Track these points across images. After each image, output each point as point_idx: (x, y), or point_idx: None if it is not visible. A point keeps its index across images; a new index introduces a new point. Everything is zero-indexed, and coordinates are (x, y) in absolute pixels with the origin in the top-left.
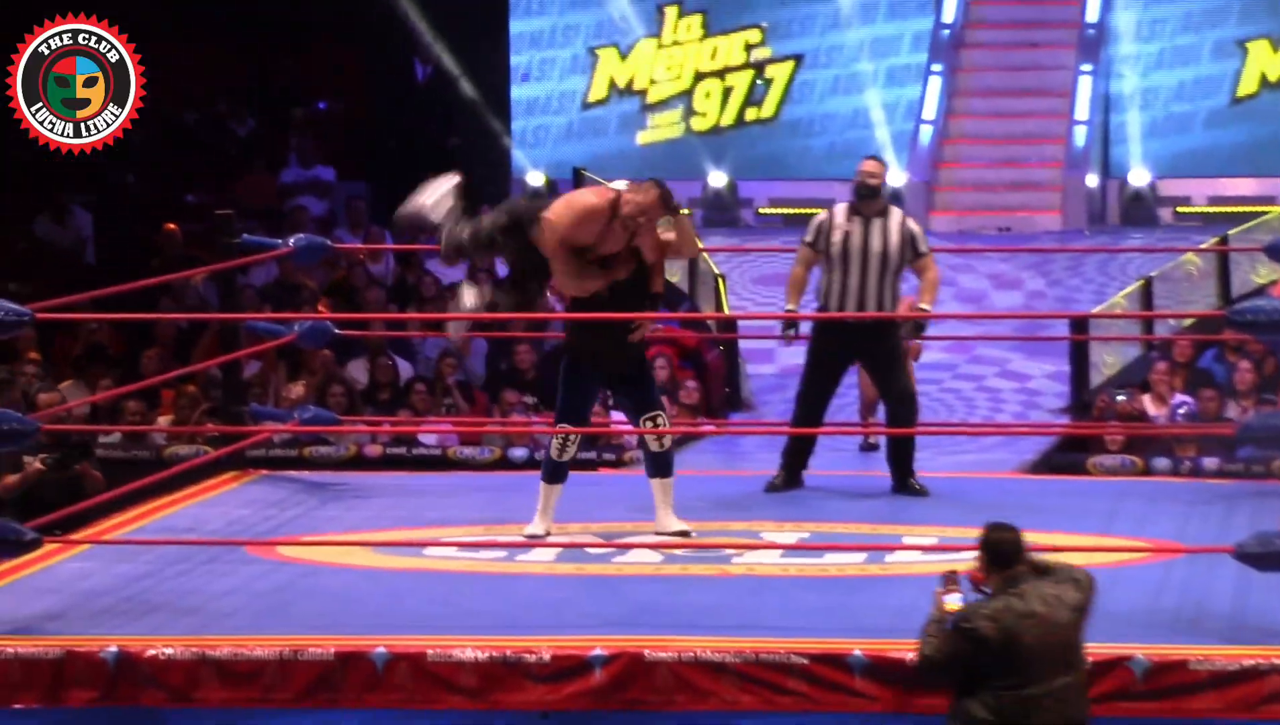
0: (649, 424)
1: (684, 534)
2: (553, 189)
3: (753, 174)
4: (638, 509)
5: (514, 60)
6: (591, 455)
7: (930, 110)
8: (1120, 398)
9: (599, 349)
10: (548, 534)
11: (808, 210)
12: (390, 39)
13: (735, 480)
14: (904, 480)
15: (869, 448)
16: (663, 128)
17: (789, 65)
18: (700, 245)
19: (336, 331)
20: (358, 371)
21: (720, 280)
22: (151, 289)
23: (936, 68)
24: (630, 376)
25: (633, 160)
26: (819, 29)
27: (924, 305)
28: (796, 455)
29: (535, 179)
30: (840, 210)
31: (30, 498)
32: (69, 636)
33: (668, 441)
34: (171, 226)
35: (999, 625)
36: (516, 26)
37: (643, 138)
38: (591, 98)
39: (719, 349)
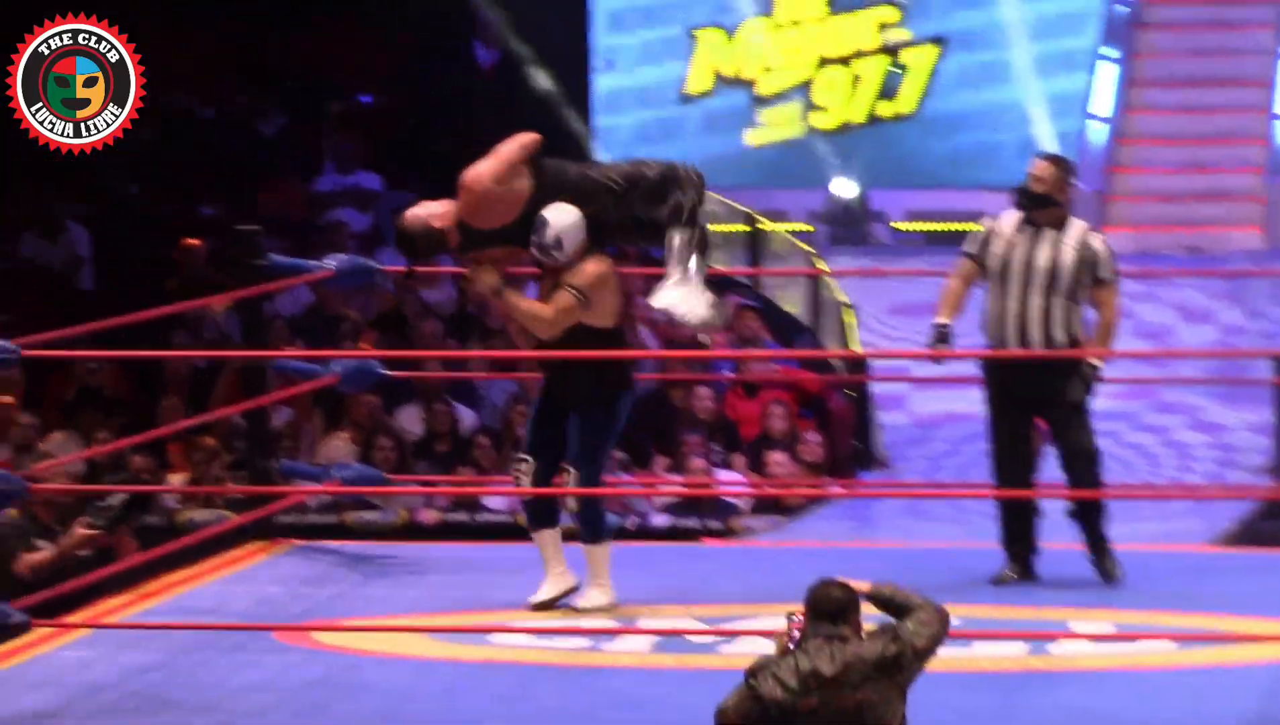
0: (564, 475)
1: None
2: None
3: (887, 182)
4: (749, 588)
5: (595, 44)
6: (694, 523)
7: (1103, 104)
8: None
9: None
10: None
11: (953, 225)
12: (447, 20)
13: (867, 553)
14: (1098, 557)
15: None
16: (777, 125)
17: (931, 50)
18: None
19: (384, 372)
20: (410, 421)
21: (848, 311)
22: (161, 321)
23: (1110, 53)
24: (571, 408)
25: (740, 164)
26: (968, 6)
27: (1097, 363)
28: (1017, 536)
29: None
30: (1009, 218)
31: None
32: None
33: (570, 502)
34: (193, 242)
35: (783, 685)
36: (599, 3)
37: (753, 137)
38: (690, 89)
39: (846, 394)
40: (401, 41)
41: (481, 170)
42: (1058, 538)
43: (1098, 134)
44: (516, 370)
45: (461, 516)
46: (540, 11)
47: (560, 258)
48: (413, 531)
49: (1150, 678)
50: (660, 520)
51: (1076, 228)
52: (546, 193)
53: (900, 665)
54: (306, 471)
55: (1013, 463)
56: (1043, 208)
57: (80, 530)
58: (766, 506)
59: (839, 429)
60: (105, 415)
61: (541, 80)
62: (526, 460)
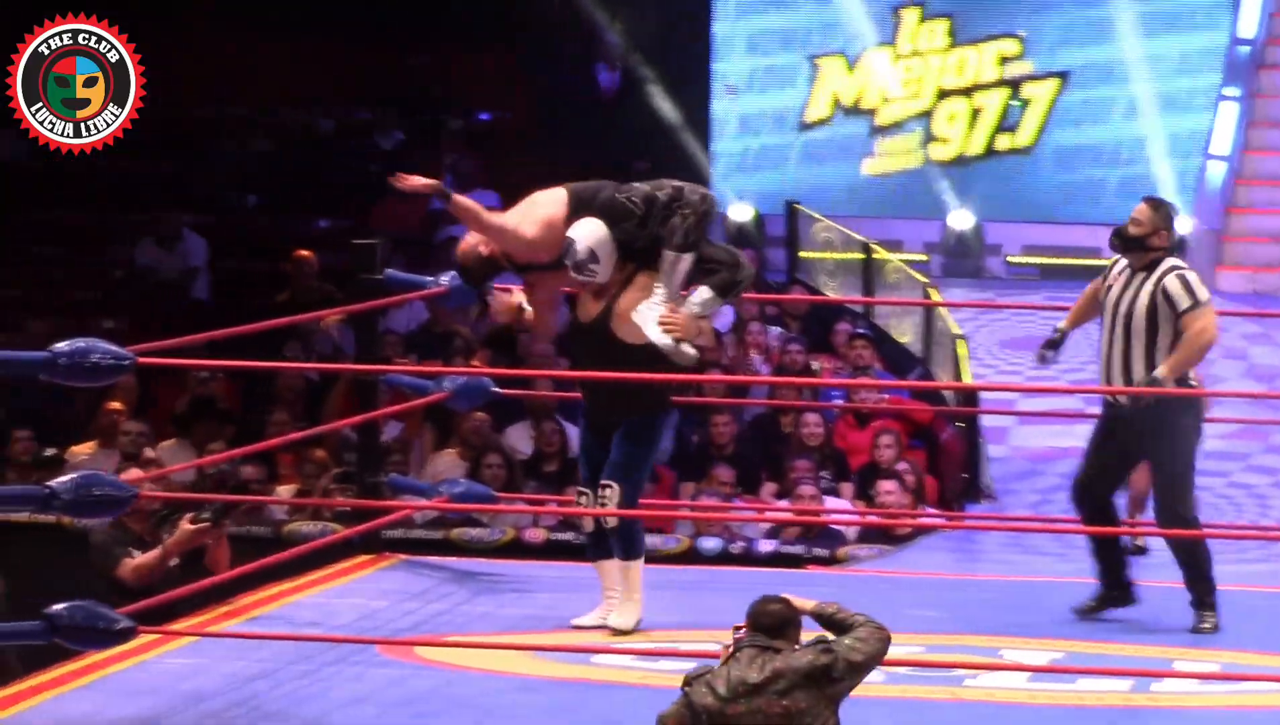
0: (603, 491)
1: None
2: (760, 226)
3: (1004, 215)
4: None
5: (716, 69)
6: (799, 550)
7: (1222, 143)
8: None
9: (585, 395)
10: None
11: (1069, 260)
12: (569, 40)
13: (971, 585)
14: (1194, 607)
15: (1136, 551)
16: (896, 156)
17: (1052, 84)
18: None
19: (495, 390)
20: (519, 439)
21: (960, 342)
22: (274, 333)
23: (1231, 92)
24: (613, 431)
25: (858, 193)
26: (1089, 41)
27: (1157, 373)
28: (1108, 566)
29: (740, 213)
30: (1117, 265)
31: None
32: None
33: (612, 520)
34: (304, 254)
35: (714, 692)
36: (721, 28)
37: (870, 167)
38: (810, 117)
39: (956, 426)
40: (522, 60)
41: (522, 234)
42: (1163, 576)
43: (1216, 174)
44: None
45: (567, 536)
46: (662, 35)
47: (598, 273)
48: (518, 549)
49: (1255, 718)
50: (766, 546)
51: (1161, 270)
52: (578, 218)
53: (830, 676)
54: (415, 486)
55: (1090, 488)
56: (1134, 251)
57: (187, 525)
58: (873, 535)
59: (948, 461)
60: (217, 425)
61: (661, 103)
62: (586, 493)
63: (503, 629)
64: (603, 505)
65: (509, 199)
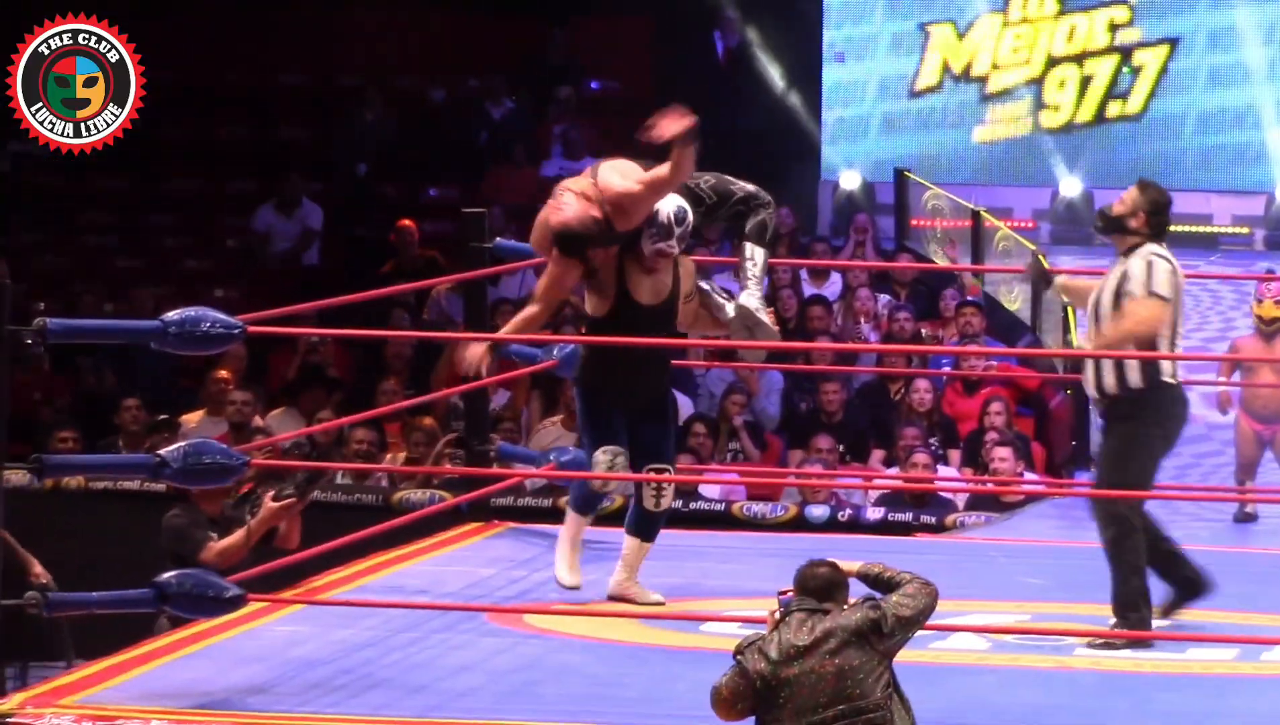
0: (664, 478)
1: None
2: (869, 193)
3: (1114, 182)
4: (962, 583)
5: (828, 37)
6: (907, 517)
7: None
8: None
9: (618, 376)
10: (576, 587)
11: (1179, 226)
12: (683, 8)
13: (1080, 552)
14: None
15: (1245, 518)
16: (1006, 123)
17: (1162, 50)
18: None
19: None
20: None
21: (1069, 310)
22: (382, 302)
23: None
24: (649, 415)
25: (968, 160)
26: (1201, 6)
27: (1102, 336)
28: (1165, 566)
29: (850, 180)
30: None
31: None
32: (277, 714)
33: (665, 504)
34: (407, 223)
35: (766, 657)
36: None
37: (981, 134)
38: (920, 84)
39: (1065, 393)
40: (634, 30)
41: (663, 175)
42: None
43: None
44: (734, 359)
45: (676, 504)
46: (775, 3)
47: (676, 246)
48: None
49: None
50: (874, 514)
51: (1137, 254)
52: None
53: (880, 631)
54: (524, 454)
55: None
56: (1114, 231)
57: (270, 503)
58: (983, 503)
59: (1056, 428)
60: (325, 393)
61: (773, 70)
62: (622, 452)
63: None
64: (662, 497)
65: None
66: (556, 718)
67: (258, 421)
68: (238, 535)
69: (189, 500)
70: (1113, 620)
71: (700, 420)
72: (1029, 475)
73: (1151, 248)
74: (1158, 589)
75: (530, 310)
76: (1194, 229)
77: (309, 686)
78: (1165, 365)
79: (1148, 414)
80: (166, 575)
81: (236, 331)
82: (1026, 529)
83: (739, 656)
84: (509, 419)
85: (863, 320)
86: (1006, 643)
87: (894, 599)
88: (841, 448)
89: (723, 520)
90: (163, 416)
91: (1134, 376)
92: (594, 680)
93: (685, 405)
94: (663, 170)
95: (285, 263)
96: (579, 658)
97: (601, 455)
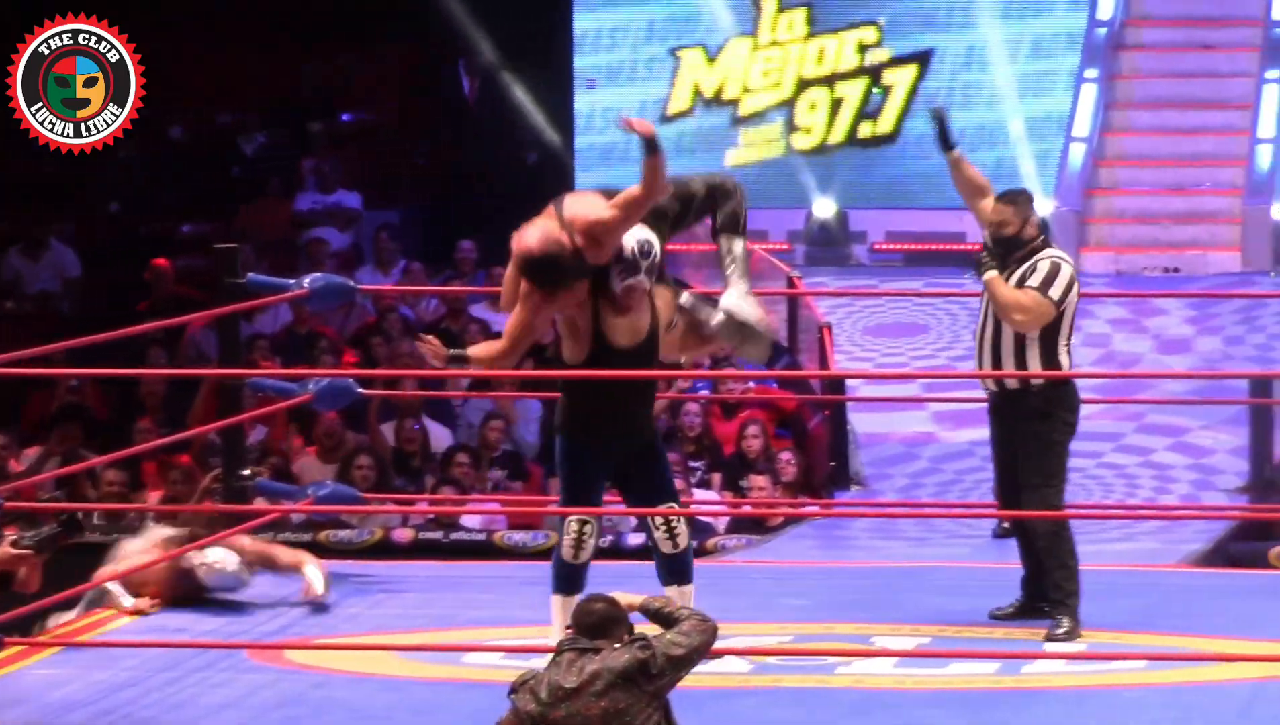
0: (674, 521)
1: None
2: None
3: (867, 202)
4: (724, 607)
5: (578, 64)
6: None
7: (1082, 126)
8: None
9: (602, 423)
10: None
11: (933, 246)
12: (432, 42)
13: (841, 572)
14: (1051, 606)
15: (1004, 534)
16: (758, 145)
17: (912, 69)
18: None
19: (359, 390)
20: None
21: (825, 331)
22: (140, 340)
23: (1090, 74)
24: (640, 457)
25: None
26: (948, 26)
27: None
28: (1036, 574)
29: None
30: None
31: None
32: None
33: (683, 542)
34: (161, 262)
35: (536, 698)
36: (580, 23)
37: (734, 158)
38: (672, 109)
39: (823, 414)
40: (386, 61)
41: (636, 194)
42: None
43: (1077, 155)
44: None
45: (436, 535)
46: (524, 32)
47: (650, 270)
48: (387, 549)
49: (1122, 696)
50: (635, 539)
51: (1037, 257)
52: None
53: (648, 672)
54: (283, 490)
55: (1003, 491)
56: (1014, 250)
57: (7, 548)
58: (743, 526)
59: (815, 448)
60: (82, 433)
61: (524, 100)
62: (590, 522)
63: (372, 629)
64: (676, 535)
65: (371, 200)
66: None
67: (14, 464)
68: None
69: None
70: (1057, 623)
71: (462, 449)
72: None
73: (1051, 252)
74: (1014, 592)
75: (496, 345)
76: (949, 247)
77: None
78: (1064, 362)
79: (1051, 395)
80: None
81: None
82: (787, 551)
83: (513, 695)
84: (276, 453)
85: None
86: (769, 664)
87: (667, 637)
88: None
89: (484, 550)
90: None
91: (1030, 362)
92: (356, 714)
93: (444, 436)
94: (634, 189)
95: (39, 305)
96: (341, 692)
97: (573, 525)
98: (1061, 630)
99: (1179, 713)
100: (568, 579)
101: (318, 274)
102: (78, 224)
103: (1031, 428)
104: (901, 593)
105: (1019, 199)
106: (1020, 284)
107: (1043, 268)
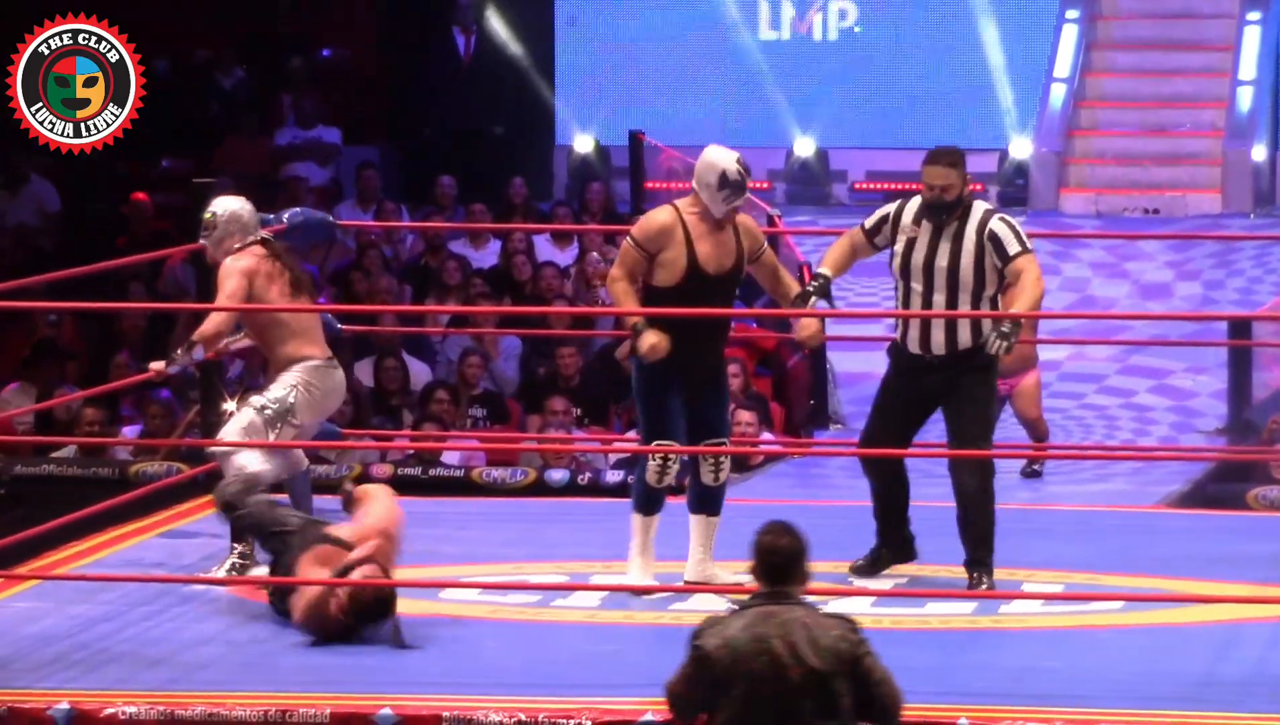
0: (722, 458)
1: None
2: (604, 157)
3: (848, 141)
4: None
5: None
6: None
7: (1063, 67)
8: None
9: (684, 350)
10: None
11: (914, 186)
12: None
13: (818, 511)
14: (969, 565)
15: (1032, 474)
16: None
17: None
18: None
19: (339, 326)
20: (363, 375)
21: (804, 270)
22: (120, 275)
23: (1071, 15)
24: (705, 389)
25: (701, 124)
26: None
27: (1005, 327)
28: (893, 522)
29: (582, 145)
30: (911, 207)
31: None
32: (12, 690)
33: (724, 477)
34: (140, 196)
35: (728, 647)
36: None
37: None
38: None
39: (802, 354)
40: None
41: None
42: (1008, 499)
43: (1058, 96)
44: (468, 324)
45: (415, 471)
46: None
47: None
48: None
49: (1099, 637)
50: (613, 476)
51: (978, 216)
52: None
53: (831, 673)
54: None
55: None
56: (952, 211)
57: None
58: None
59: (795, 388)
60: (61, 368)
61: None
62: (674, 462)
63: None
64: (720, 469)
65: (351, 136)
66: (295, 689)
67: None
68: None
69: None
70: (978, 580)
71: (441, 386)
72: (766, 435)
73: (984, 206)
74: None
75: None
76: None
77: (46, 662)
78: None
79: (989, 357)
80: None
81: None
82: (765, 489)
83: (696, 639)
84: (254, 388)
85: (597, 283)
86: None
87: (855, 636)
88: (579, 412)
89: (462, 487)
90: None
91: (971, 333)
92: (331, 650)
93: (423, 372)
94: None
95: (17, 240)
96: None
97: (652, 461)
98: (984, 589)
99: (1156, 654)
100: (648, 500)
101: (296, 209)
102: (58, 159)
103: (977, 380)
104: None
105: (957, 159)
106: (978, 252)
107: (1000, 228)
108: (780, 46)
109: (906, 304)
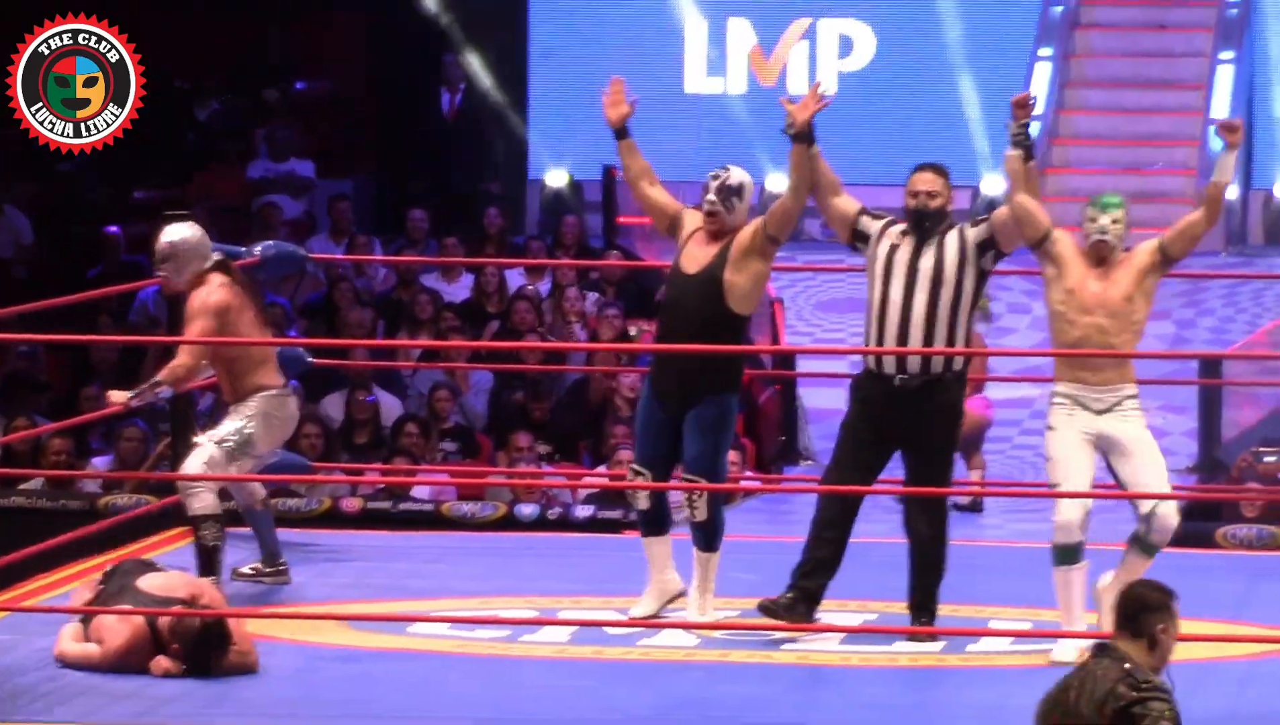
0: (694, 497)
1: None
2: (578, 192)
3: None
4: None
5: (534, 31)
6: (617, 514)
7: (1037, 104)
8: (1269, 459)
9: (657, 372)
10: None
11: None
12: (388, 5)
13: (787, 547)
14: (915, 611)
15: (970, 508)
16: None
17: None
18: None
19: (310, 360)
20: (333, 408)
21: (776, 305)
22: (92, 306)
23: (1045, 52)
24: (685, 413)
25: (676, 159)
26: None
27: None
28: (815, 566)
29: (556, 179)
30: (899, 226)
31: None
32: None
33: (700, 514)
34: (111, 229)
35: (1044, 695)
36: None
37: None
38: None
39: (773, 389)
40: (342, 30)
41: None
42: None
43: (1031, 133)
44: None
45: (384, 505)
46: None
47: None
48: (335, 519)
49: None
50: (583, 511)
51: (958, 230)
52: None
53: (1109, 711)
54: None
55: (843, 497)
56: (939, 224)
57: None
58: None
59: (766, 423)
60: (32, 399)
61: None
62: (643, 473)
63: (319, 599)
64: (694, 507)
65: (325, 169)
66: (264, 721)
67: None
68: None
69: None
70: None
71: (412, 420)
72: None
73: (957, 223)
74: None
75: None
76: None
77: (15, 694)
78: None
79: (961, 379)
80: None
81: None
82: (736, 525)
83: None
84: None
85: (573, 319)
86: (715, 638)
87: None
88: (551, 448)
89: (431, 520)
90: None
91: (961, 335)
92: (299, 683)
93: (394, 406)
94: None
95: None
96: (286, 661)
97: (628, 474)
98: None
99: None
100: (641, 522)
101: (269, 242)
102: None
103: (946, 417)
104: (849, 568)
105: (945, 172)
106: (960, 251)
107: (972, 230)
108: (752, 87)
109: (883, 312)
